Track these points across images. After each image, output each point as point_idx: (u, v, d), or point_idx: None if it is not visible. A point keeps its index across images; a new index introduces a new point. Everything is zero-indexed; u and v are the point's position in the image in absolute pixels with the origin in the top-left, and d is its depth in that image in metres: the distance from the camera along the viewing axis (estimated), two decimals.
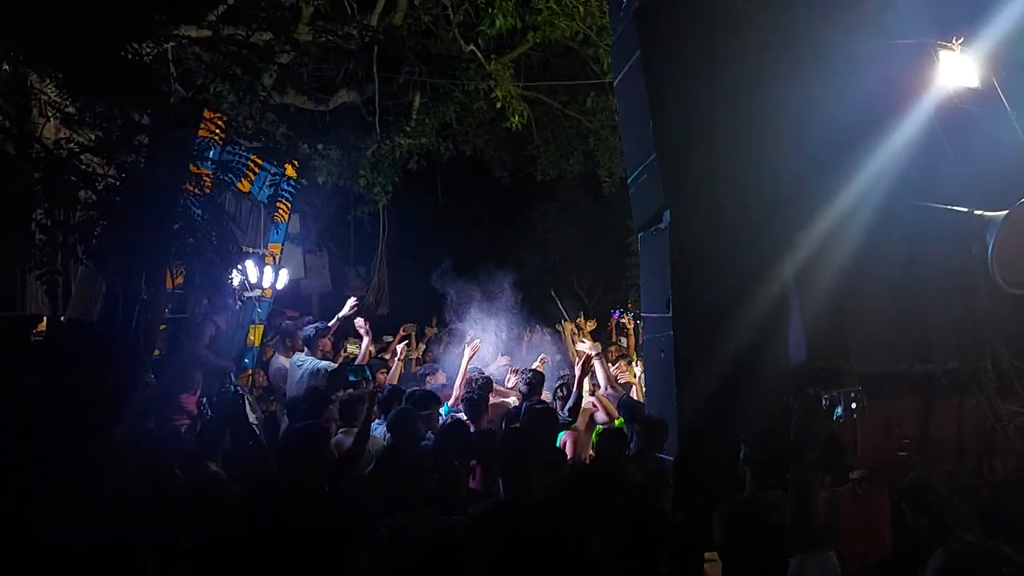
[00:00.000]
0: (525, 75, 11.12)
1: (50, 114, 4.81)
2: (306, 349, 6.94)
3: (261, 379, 7.67)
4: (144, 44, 5.44)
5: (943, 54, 4.88)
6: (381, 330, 11.15)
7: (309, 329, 7.19)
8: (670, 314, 4.37)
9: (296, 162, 7.14)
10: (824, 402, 3.34)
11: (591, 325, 9.21)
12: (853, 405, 3.40)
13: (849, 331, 4.22)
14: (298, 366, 6.68)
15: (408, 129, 9.96)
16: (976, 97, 4.97)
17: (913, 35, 4.91)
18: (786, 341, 4.37)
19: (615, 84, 5.15)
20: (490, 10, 8.54)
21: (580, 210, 15.78)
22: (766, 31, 4.71)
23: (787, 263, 4.38)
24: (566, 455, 5.07)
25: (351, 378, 6.04)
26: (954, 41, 4.89)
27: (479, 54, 9.52)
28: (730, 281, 4.32)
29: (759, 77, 4.57)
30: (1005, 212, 4.04)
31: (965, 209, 4.29)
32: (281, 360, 7.30)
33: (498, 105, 9.65)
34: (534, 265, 17.40)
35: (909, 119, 4.66)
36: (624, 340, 9.95)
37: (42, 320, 5.39)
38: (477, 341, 7.20)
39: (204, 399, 5.73)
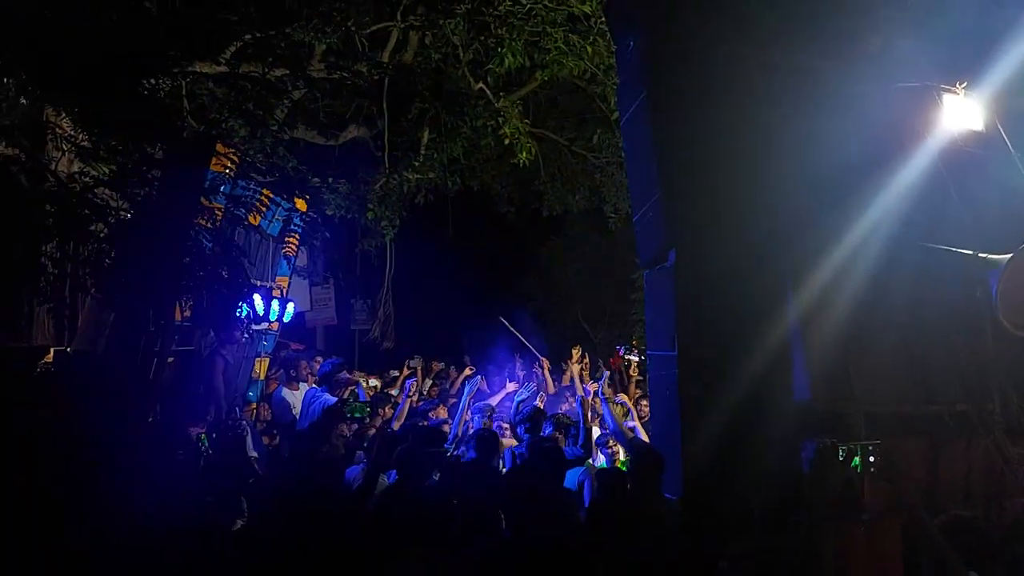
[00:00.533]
0: (533, 112, 11.23)
1: (65, 148, 4.85)
2: (324, 385, 6.89)
3: (265, 412, 7.62)
4: (159, 80, 5.52)
5: (947, 97, 4.93)
6: (387, 364, 11.14)
7: (326, 364, 7.15)
8: (675, 353, 4.38)
9: (308, 196, 7.19)
10: (841, 454, 3.30)
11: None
12: (871, 459, 3.36)
13: (854, 372, 4.21)
14: (312, 400, 6.62)
15: (416, 164, 10.02)
16: (980, 140, 5.01)
17: (917, 78, 4.96)
18: (790, 381, 4.36)
19: (621, 124, 5.22)
20: (499, 49, 8.65)
21: (585, 245, 15.83)
22: (768, 71, 4.78)
23: (791, 303, 4.39)
24: (579, 494, 4.98)
25: (356, 415, 5.98)
26: (958, 85, 4.95)
27: (488, 91, 9.62)
28: (735, 320, 4.33)
29: (763, 117, 4.63)
30: (1010, 255, 4.05)
31: (969, 252, 4.30)
32: (285, 392, 7.25)
33: (506, 142, 9.73)
34: (539, 299, 17.43)
35: (913, 161, 4.70)
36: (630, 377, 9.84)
37: (49, 351, 5.38)
38: (480, 378, 7.14)
39: (204, 435, 5.67)
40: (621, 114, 5.19)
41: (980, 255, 4.17)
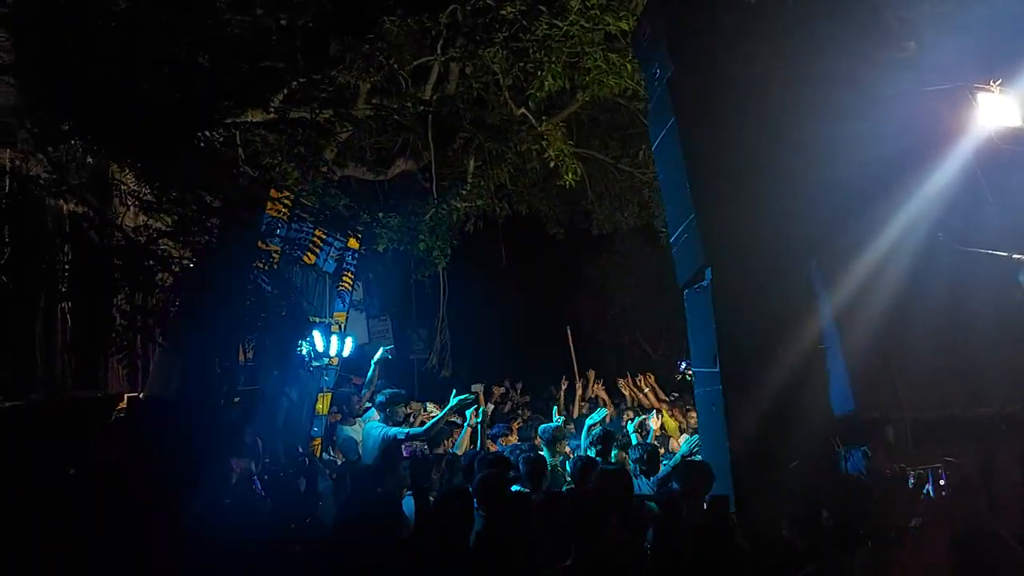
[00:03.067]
0: (576, 133, 11.26)
1: (130, 202, 5.07)
2: (380, 415, 6.95)
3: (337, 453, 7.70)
4: (214, 130, 5.74)
5: (981, 96, 4.92)
6: (445, 392, 11.18)
7: (382, 394, 7.22)
8: (717, 369, 4.53)
9: (360, 233, 7.33)
10: (912, 479, 3.18)
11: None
12: (942, 481, 3.22)
13: (898, 380, 4.24)
14: (371, 432, 6.68)
15: (464, 192, 10.15)
16: (1018, 137, 4.97)
17: (950, 79, 4.98)
18: (828, 390, 4.44)
19: (653, 149, 5.35)
20: (539, 73, 8.73)
21: (637, 262, 15.68)
22: (794, 83, 4.87)
23: (827, 312, 4.46)
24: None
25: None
26: (993, 83, 4.92)
27: (530, 116, 9.70)
28: (774, 333, 4.46)
29: (790, 129, 4.73)
30: None
31: (1004, 253, 4.26)
32: (347, 429, 7.34)
33: (552, 164, 9.77)
34: (592, 320, 17.30)
35: (947, 162, 4.70)
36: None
37: (123, 399, 5.59)
38: (489, 406, 7.18)
39: (257, 477, 5.73)
40: (652, 140, 5.35)
41: (1014, 256, 4.17)
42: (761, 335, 4.46)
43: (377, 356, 7.84)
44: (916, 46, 5.18)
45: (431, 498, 4.54)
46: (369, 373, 7.95)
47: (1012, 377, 4.35)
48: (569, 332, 9.84)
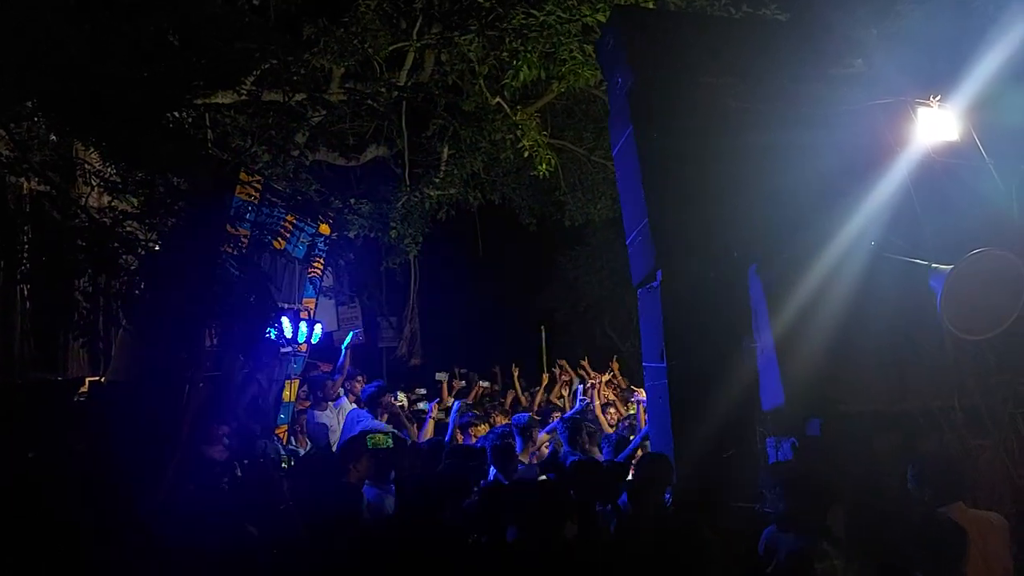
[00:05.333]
0: (551, 123, 11.24)
1: (94, 183, 4.96)
2: (368, 408, 6.93)
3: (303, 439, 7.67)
4: (183, 111, 5.63)
5: (921, 111, 5.15)
6: (414, 381, 11.17)
7: (370, 387, 7.19)
8: (665, 364, 4.88)
9: (332, 219, 7.26)
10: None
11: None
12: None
13: (829, 378, 4.50)
14: (356, 422, 6.65)
15: (437, 180, 10.09)
16: (955, 151, 5.22)
17: (893, 94, 5.23)
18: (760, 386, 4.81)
19: (613, 155, 5.69)
20: (515, 62, 8.68)
21: (609, 254, 15.75)
22: (746, 98, 5.18)
23: (770, 316, 4.73)
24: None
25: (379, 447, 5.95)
26: (932, 98, 5.15)
27: (505, 105, 9.66)
28: (719, 333, 4.81)
29: (741, 142, 5.02)
30: (952, 265, 4.25)
31: (924, 262, 4.49)
32: (318, 415, 7.29)
33: (525, 154, 9.76)
34: (564, 310, 17.36)
35: (889, 175, 4.96)
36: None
37: (84, 383, 5.48)
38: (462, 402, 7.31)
39: (235, 462, 5.69)
40: (613, 146, 5.67)
41: (933, 264, 4.39)
42: (705, 334, 4.81)
43: (347, 340, 7.82)
44: (863, 63, 5.54)
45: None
46: (340, 358, 7.93)
47: (932, 377, 4.65)
48: (543, 331, 9.93)
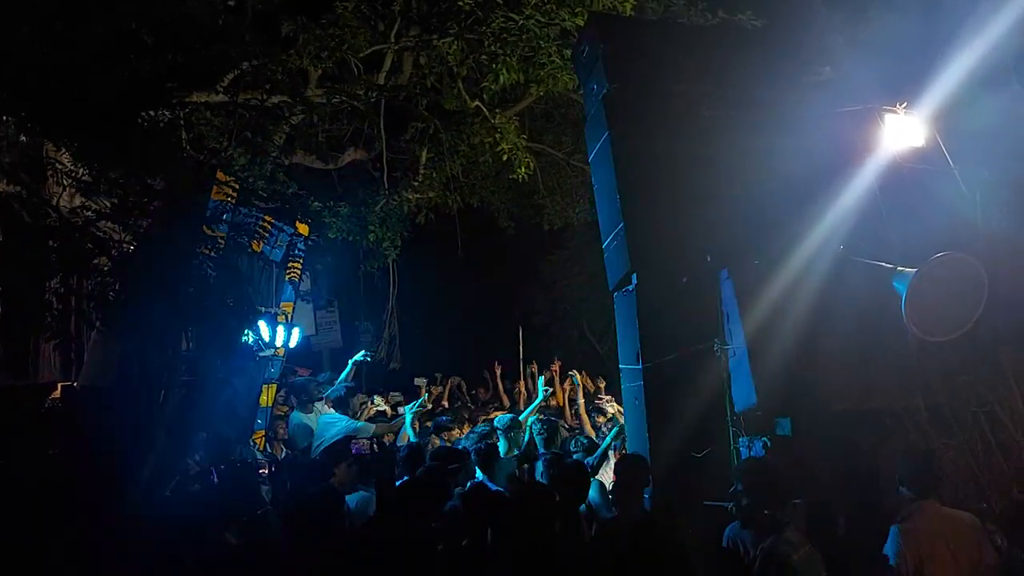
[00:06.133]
0: (530, 127, 11.26)
1: (66, 183, 4.86)
2: (334, 409, 6.86)
3: (282, 431, 7.60)
4: (157, 111, 5.54)
5: (888, 117, 5.27)
6: (393, 386, 11.07)
7: (339, 388, 7.12)
8: (640, 366, 4.96)
9: (310, 220, 7.19)
10: None
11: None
12: None
13: (798, 379, 4.61)
14: (330, 424, 6.58)
15: (416, 184, 10.06)
16: (921, 157, 5.35)
17: (861, 101, 5.35)
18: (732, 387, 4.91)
19: (589, 160, 5.75)
20: (494, 66, 8.69)
21: (588, 258, 15.79)
22: (718, 105, 5.29)
23: (740, 319, 4.85)
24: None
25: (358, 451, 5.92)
26: (898, 105, 5.27)
27: (484, 108, 9.66)
28: (693, 336, 4.89)
29: (712, 148, 5.13)
30: (915, 268, 4.37)
31: (889, 264, 4.61)
32: (302, 417, 7.21)
33: (504, 158, 9.76)
34: (544, 314, 17.35)
35: (856, 181, 5.07)
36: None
37: (56, 388, 5.36)
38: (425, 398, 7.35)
39: (212, 468, 5.62)
40: (589, 152, 5.74)
41: (898, 268, 4.50)
42: (679, 337, 4.90)
43: (357, 357, 7.80)
44: (831, 70, 5.61)
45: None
46: (345, 371, 7.93)
47: (898, 377, 4.77)
48: (520, 332, 9.90)
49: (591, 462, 5.69)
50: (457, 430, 7.21)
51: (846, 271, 4.75)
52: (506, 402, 9.81)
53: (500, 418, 6.45)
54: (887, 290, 4.54)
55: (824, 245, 4.83)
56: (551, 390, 7.83)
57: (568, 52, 8.59)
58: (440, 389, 10.06)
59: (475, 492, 4.47)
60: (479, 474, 5.39)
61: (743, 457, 4.71)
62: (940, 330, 4.41)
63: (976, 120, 5.30)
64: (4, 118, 4.99)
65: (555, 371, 9.10)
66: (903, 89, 5.32)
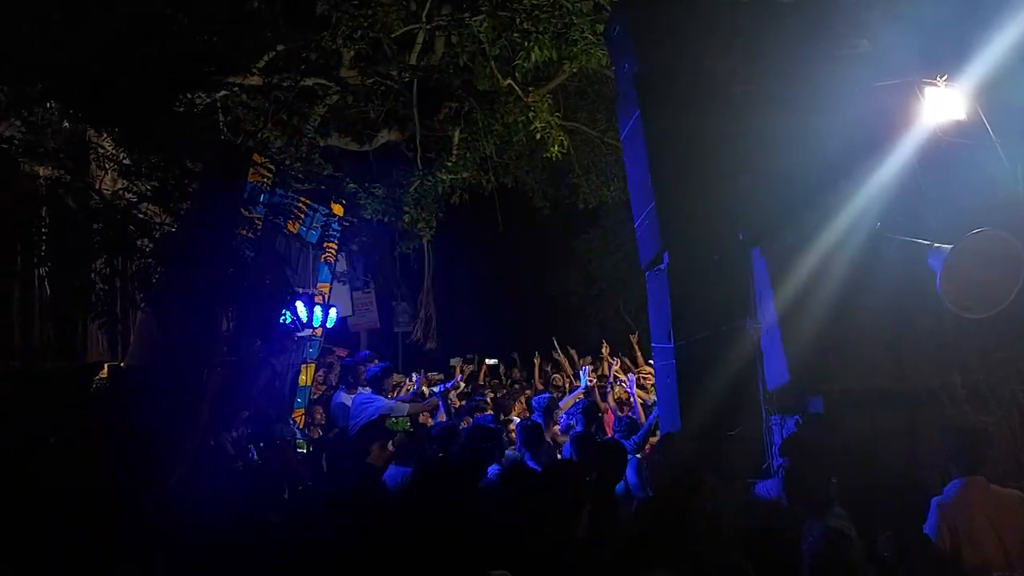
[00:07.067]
0: (563, 105, 11.15)
1: (108, 167, 4.96)
2: (370, 388, 6.93)
3: (319, 416, 7.72)
4: (195, 95, 5.62)
5: (928, 90, 5.10)
6: (430, 365, 11.19)
7: (375, 368, 7.19)
8: (672, 345, 4.99)
9: (344, 201, 7.24)
10: None
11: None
12: None
13: (832, 356, 4.58)
14: (363, 405, 6.66)
15: (449, 164, 10.05)
16: (962, 131, 5.17)
17: (900, 74, 5.19)
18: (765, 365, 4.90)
19: (621, 140, 5.78)
20: (526, 44, 8.61)
21: (623, 237, 15.66)
22: (751, 81, 5.23)
23: (768, 295, 4.82)
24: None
25: (397, 430, 5.97)
26: (939, 78, 5.09)
27: (517, 87, 9.59)
28: (725, 313, 4.92)
29: (749, 126, 5.06)
30: (952, 245, 4.27)
31: (926, 241, 4.51)
32: (343, 396, 7.32)
33: (538, 136, 9.69)
34: (580, 294, 17.30)
35: (894, 155, 4.93)
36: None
37: (103, 367, 5.52)
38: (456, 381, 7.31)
39: (251, 446, 5.73)
40: (620, 131, 5.76)
41: (935, 244, 4.40)
42: (710, 315, 4.92)
43: (439, 389, 7.75)
44: (868, 43, 5.48)
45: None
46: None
47: (934, 354, 4.70)
48: (555, 344, 9.96)
49: (636, 440, 5.69)
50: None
51: (881, 247, 4.69)
52: (539, 385, 9.83)
53: (538, 398, 6.49)
54: (923, 267, 4.46)
55: (859, 221, 4.76)
56: (590, 382, 7.78)
57: (601, 28, 8.46)
58: (472, 368, 10.14)
59: (515, 469, 4.51)
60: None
61: (775, 435, 4.68)
62: (977, 307, 4.32)
63: (1020, 92, 5.09)
64: (48, 105, 5.09)
65: (606, 355, 9.12)
66: (944, 61, 5.14)
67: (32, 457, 4.26)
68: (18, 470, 4.00)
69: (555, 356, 10.05)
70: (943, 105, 5.10)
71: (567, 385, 9.29)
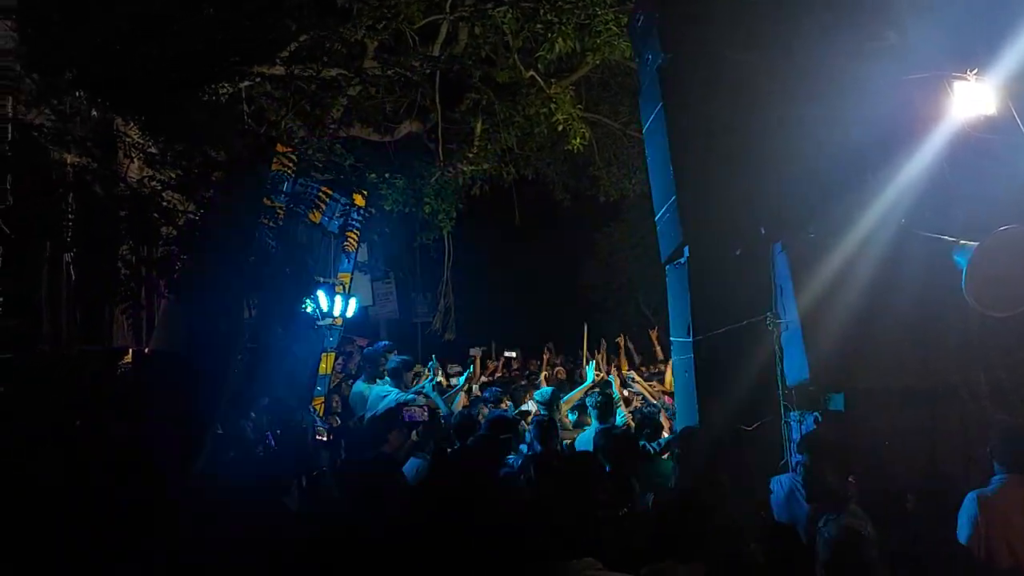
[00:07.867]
0: (585, 97, 11.10)
1: (134, 155, 5.03)
2: (389, 379, 6.98)
3: (336, 403, 7.79)
4: (219, 85, 5.67)
5: (957, 85, 5.03)
6: (448, 356, 11.24)
7: (394, 360, 7.24)
8: (691, 339, 4.96)
9: (365, 191, 7.28)
10: None
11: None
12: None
13: (854, 354, 4.50)
14: (381, 396, 6.72)
15: (470, 156, 10.06)
16: (993, 126, 5.09)
17: (929, 67, 5.12)
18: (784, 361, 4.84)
19: (643, 132, 5.72)
20: (549, 35, 8.58)
21: (644, 230, 15.58)
22: (775, 73, 5.13)
23: (794, 292, 4.74)
24: None
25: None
26: (969, 72, 5.01)
27: (539, 79, 9.56)
28: (745, 308, 4.85)
29: (774, 120, 5.00)
30: (978, 242, 4.24)
31: (951, 238, 4.48)
32: (362, 387, 7.39)
33: (559, 128, 9.65)
34: (600, 288, 17.26)
35: (922, 150, 4.87)
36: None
37: (128, 352, 5.61)
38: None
39: (268, 432, 5.79)
40: (642, 123, 5.69)
41: (960, 241, 4.37)
42: (730, 310, 4.87)
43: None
44: (896, 36, 5.39)
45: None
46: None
47: (958, 353, 4.66)
48: (586, 328, 9.87)
49: (660, 443, 5.68)
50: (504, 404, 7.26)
51: (907, 244, 4.64)
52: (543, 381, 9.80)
53: (541, 391, 6.49)
54: (947, 264, 4.43)
55: (885, 217, 4.70)
56: (600, 374, 7.80)
57: (625, 19, 8.40)
58: (494, 364, 10.18)
59: (536, 459, 4.53)
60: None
61: (793, 432, 4.66)
62: (1002, 305, 4.28)
63: None
64: (77, 94, 5.17)
65: (621, 343, 9.09)
66: (974, 55, 5.05)
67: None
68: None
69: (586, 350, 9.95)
70: (973, 100, 5.02)
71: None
